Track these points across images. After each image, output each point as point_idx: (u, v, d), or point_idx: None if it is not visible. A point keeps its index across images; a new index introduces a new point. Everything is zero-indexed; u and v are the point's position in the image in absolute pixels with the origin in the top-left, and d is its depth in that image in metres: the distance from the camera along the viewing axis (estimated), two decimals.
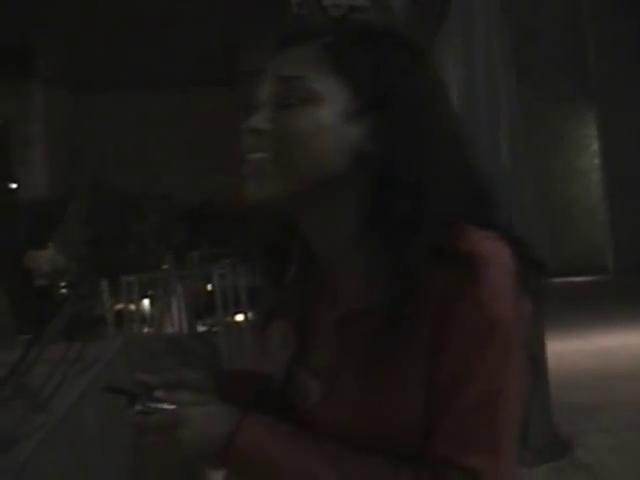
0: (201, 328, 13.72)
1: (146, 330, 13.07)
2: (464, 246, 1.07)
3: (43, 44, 39.43)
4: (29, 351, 8.41)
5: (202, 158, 44.90)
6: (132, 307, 11.80)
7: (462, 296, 1.05)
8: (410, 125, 1.12)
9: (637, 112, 17.37)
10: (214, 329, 12.17)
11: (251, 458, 1.11)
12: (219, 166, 40.25)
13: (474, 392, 1.06)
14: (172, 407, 1.12)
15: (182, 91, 42.80)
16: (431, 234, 1.08)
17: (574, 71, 18.13)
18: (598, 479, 5.34)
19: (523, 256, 1.12)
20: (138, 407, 1.12)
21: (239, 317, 10.49)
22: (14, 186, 31.07)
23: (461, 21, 6.36)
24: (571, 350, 9.72)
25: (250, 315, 10.11)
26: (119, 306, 13.13)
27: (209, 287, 13.83)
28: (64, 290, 28.12)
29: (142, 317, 15.66)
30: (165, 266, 14.93)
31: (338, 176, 1.13)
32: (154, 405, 1.12)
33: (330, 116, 1.12)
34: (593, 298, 14.65)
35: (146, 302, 15.76)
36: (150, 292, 14.94)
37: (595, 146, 18.31)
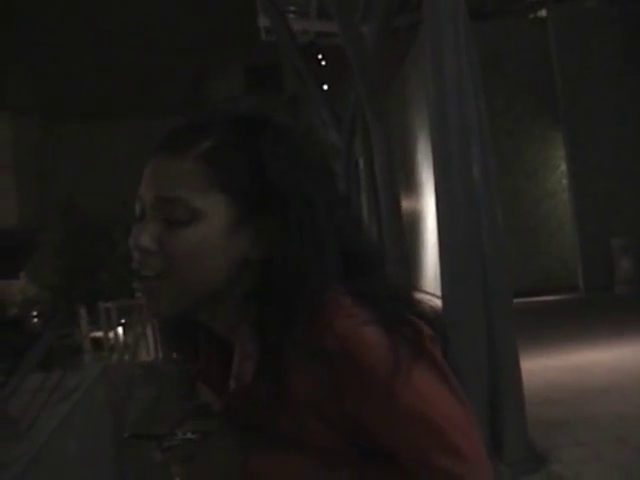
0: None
1: (123, 357, 13.01)
2: (335, 339, 1.13)
3: (11, 73, 39.29)
4: (7, 381, 8.41)
5: None
6: (111, 334, 11.75)
7: (347, 388, 1.14)
8: (297, 222, 1.17)
9: (604, 133, 17.64)
10: None
11: (266, 474, 1.20)
12: None
13: (411, 437, 1.15)
14: (190, 436, 1.21)
15: (150, 120, 42.86)
16: (297, 334, 1.14)
17: (541, 92, 18.37)
18: None
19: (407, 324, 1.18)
20: (166, 444, 1.22)
21: None
22: None
23: (430, 42, 6.49)
24: (545, 367, 9.84)
25: None
26: (96, 334, 13.07)
27: None
28: (36, 319, 27.93)
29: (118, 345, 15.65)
30: (138, 294, 14.86)
31: (223, 284, 1.19)
32: (178, 438, 1.21)
33: (214, 231, 1.17)
34: (564, 316, 14.78)
35: (120, 330, 15.70)
36: (123, 320, 14.90)
37: (563, 167, 18.52)
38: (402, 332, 1.15)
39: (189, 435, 1.21)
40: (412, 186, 21.56)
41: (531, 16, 20.75)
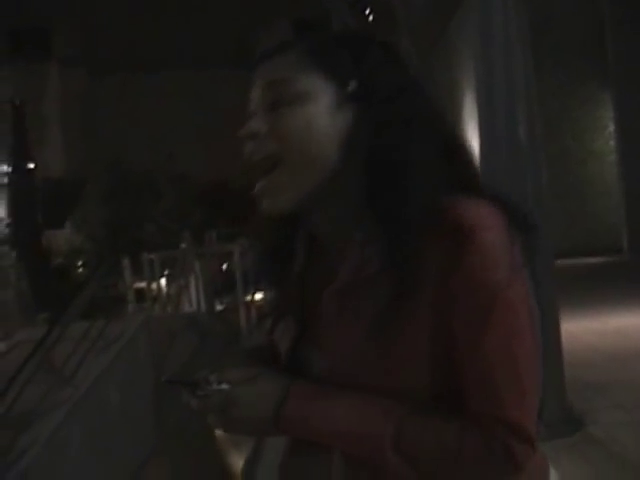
0: (219, 307, 13.83)
1: (166, 308, 13.19)
2: (458, 218, 1.17)
3: (60, 24, 39.43)
4: (53, 328, 8.57)
5: (218, 138, 44.96)
6: (154, 285, 11.88)
7: (460, 264, 1.15)
8: (389, 110, 1.23)
9: None
10: (232, 307, 12.27)
11: (301, 425, 1.22)
12: (235, 146, 40.14)
13: (489, 355, 1.17)
14: (225, 387, 1.24)
15: (199, 72, 42.69)
16: (420, 206, 1.19)
17: (591, 53, 18.06)
18: (609, 454, 5.45)
19: (513, 217, 1.23)
20: (199, 393, 1.25)
21: (257, 295, 10.61)
22: (31, 166, 31.17)
23: (478, 4, 6.41)
24: (585, 329, 9.79)
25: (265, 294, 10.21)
26: (139, 284, 13.22)
27: (225, 266, 13.90)
28: (81, 269, 28.32)
29: (162, 295, 15.84)
30: (183, 245, 15.00)
31: (335, 163, 1.24)
32: (211, 388, 1.24)
33: (318, 110, 1.23)
34: (608, 278, 14.64)
35: (163, 281, 15.90)
36: (167, 271, 15.06)
37: (611, 128, 18.24)
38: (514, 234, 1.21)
39: (223, 386, 1.24)
40: None
41: None
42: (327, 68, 1.24)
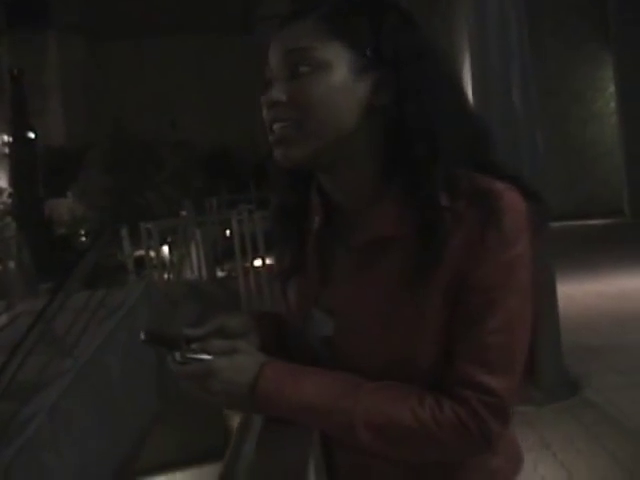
0: (220, 274, 13.86)
1: (166, 276, 13.24)
2: (484, 184, 1.20)
3: None
4: (53, 298, 8.59)
5: (220, 104, 44.78)
6: (152, 254, 11.92)
7: (487, 233, 1.18)
8: (410, 75, 1.24)
9: None
10: (233, 274, 12.30)
11: (273, 402, 1.24)
12: (236, 112, 40.11)
13: (495, 320, 1.19)
14: (206, 357, 1.25)
15: (198, 37, 42.44)
16: (449, 167, 1.21)
17: (592, 13, 17.91)
18: (606, 417, 5.48)
19: (530, 197, 1.26)
20: (177, 357, 1.26)
21: (257, 262, 10.63)
22: (32, 135, 31.13)
23: None
24: (584, 292, 9.81)
25: (268, 260, 10.24)
26: (139, 253, 13.26)
27: (227, 233, 13.90)
28: (84, 238, 28.36)
29: (162, 263, 15.89)
30: (184, 213, 14.98)
31: (353, 130, 1.25)
32: (190, 355, 1.25)
33: (338, 78, 1.23)
34: (608, 241, 14.66)
35: (165, 249, 15.92)
36: (169, 239, 15.07)
37: (612, 89, 18.13)
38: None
39: (204, 356, 1.25)
40: None
41: None
42: (345, 35, 1.25)
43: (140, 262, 12.82)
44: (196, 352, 1.26)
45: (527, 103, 6.16)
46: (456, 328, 1.21)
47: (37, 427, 6.99)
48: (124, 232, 12.02)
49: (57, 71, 39.90)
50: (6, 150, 32.38)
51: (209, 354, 1.25)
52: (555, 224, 16.48)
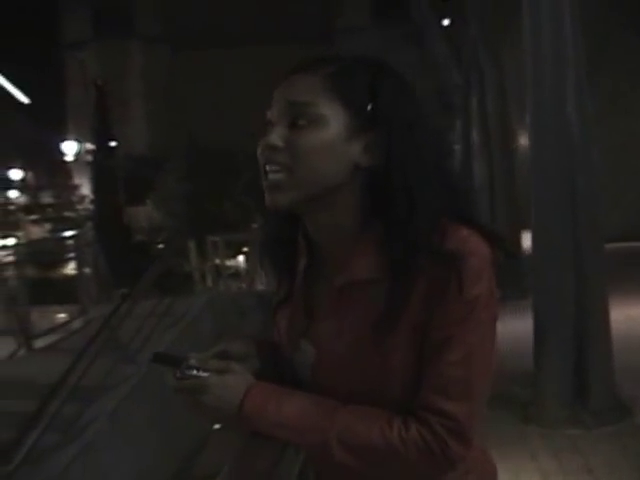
0: None
1: (239, 286, 13.42)
2: (451, 243, 1.33)
3: (140, 2, 40.00)
4: (121, 305, 8.85)
5: None
6: (217, 263, 12.16)
7: (450, 282, 1.31)
8: (400, 142, 1.37)
9: None
10: None
11: (257, 420, 1.40)
12: None
13: (454, 354, 1.33)
14: (202, 374, 1.40)
15: (279, 48, 42.78)
16: (424, 229, 1.34)
17: None
18: None
19: (496, 245, 1.41)
20: (177, 374, 1.40)
21: None
22: (114, 144, 31.88)
23: None
24: (628, 316, 9.63)
25: None
26: (215, 262, 13.53)
27: None
28: (160, 246, 28.86)
29: (235, 273, 16.14)
30: (255, 225, 15.22)
31: (340, 183, 1.39)
32: (188, 372, 1.40)
33: (333, 136, 1.37)
34: None
35: (241, 259, 16.20)
36: (245, 249, 15.34)
37: None
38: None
39: (201, 373, 1.39)
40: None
41: None
42: (346, 96, 1.37)
43: (214, 270, 13.07)
44: (194, 369, 1.40)
45: (582, 120, 6.17)
46: (422, 360, 1.35)
47: (97, 430, 7.23)
48: (192, 244, 12.30)
49: (140, 80, 40.67)
50: (89, 158, 33.20)
51: (205, 372, 1.39)
52: (618, 245, 16.23)
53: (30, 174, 41.62)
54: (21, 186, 40.53)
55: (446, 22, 17.30)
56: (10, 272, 10.82)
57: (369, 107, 1.38)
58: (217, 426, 1.51)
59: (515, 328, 7.49)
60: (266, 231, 1.65)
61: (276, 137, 1.39)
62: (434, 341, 1.34)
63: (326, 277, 1.47)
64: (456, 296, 1.32)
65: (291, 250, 1.57)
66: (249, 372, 1.46)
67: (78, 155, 37.71)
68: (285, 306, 1.59)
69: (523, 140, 19.23)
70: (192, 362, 1.41)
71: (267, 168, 1.40)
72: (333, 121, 1.36)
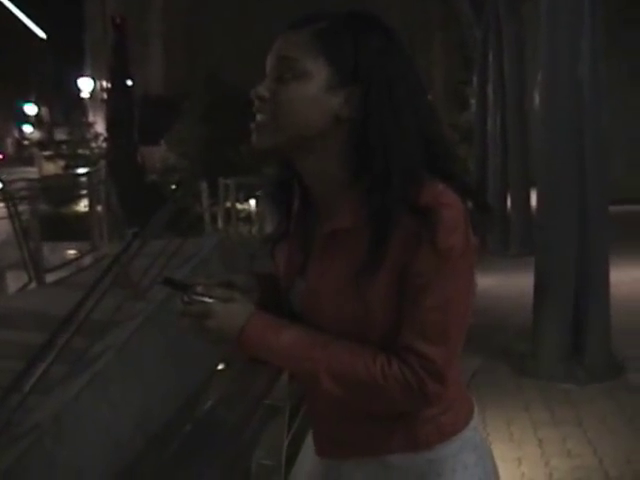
0: None
1: (249, 230, 13.53)
2: (426, 196, 1.44)
3: None
4: (132, 243, 8.98)
5: None
6: (228, 206, 12.18)
7: (425, 233, 1.42)
8: (377, 97, 1.48)
9: None
10: None
11: (256, 345, 1.54)
12: None
13: (430, 300, 1.45)
14: (207, 300, 1.52)
15: None
16: (400, 184, 1.45)
17: None
18: None
19: (473, 200, 1.52)
20: (185, 298, 1.53)
21: None
22: (130, 83, 31.80)
23: None
24: (635, 278, 9.73)
25: None
26: (226, 205, 13.58)
27: None
28: (174, 187, 28.91)
29: (246, 217, 16.23)
30: (267, 169, 15.21)
31: (321, 134, 1.51)
32: (194, 297, 1.52)
33: (315, 89, 1.49)
34: None
35: (252, 202, 16.27)
36: (258, 193, 15.39)
37: None
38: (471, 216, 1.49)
39: (206, 299, 1.52)
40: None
41: None
42: (331, 52, 1.48)
43: (225, 214, 13.15)
44: (200, 295, 1.52)
45: (595, 83, 6.23)
46: (402, 305, 1.48)
47: (106, 363, 7.42)
48: (203, 186, 12.37)
49: (159, 18, 40.39)
50: (104, 96, 33.14)
51: (211, 299, 1.52)
52: (631, 207, 16.25)
53: (45, 110, 41.65)
54: (35, 122, 40.55)
55: None
56: (23, 207, 10.90)
57: (351, 62, 1.47)
58: (220, 366, 1.64)
59: (521, 283, 7.61)
60: (269, 175, 1.78)
61: (263, 88, 1.52)
62: (413, 287, 1.45)
63: (319, 221, 1.60)
64: (431, 246, 1.42)
65: (290, 193, 1.70)
66: (251, 302, 1.59)
67: (93, 93, 37.68)
68: (283, 244, 1.71)
69: (538, 98, 19.28)
70: (199, 289, 1.53)
71: (256, 116, 1.54)
72: (316, 76, 1.48)
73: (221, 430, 1.88)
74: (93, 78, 36.52)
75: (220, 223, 12.43)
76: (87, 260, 12.19)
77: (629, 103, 18.19)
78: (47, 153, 37.82)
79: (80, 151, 35.45)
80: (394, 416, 1.57)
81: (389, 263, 1.45)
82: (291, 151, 1.55)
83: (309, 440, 1.79)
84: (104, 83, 33.68)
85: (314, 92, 1.48)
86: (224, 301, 1.53)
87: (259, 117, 1.53)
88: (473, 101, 18.32)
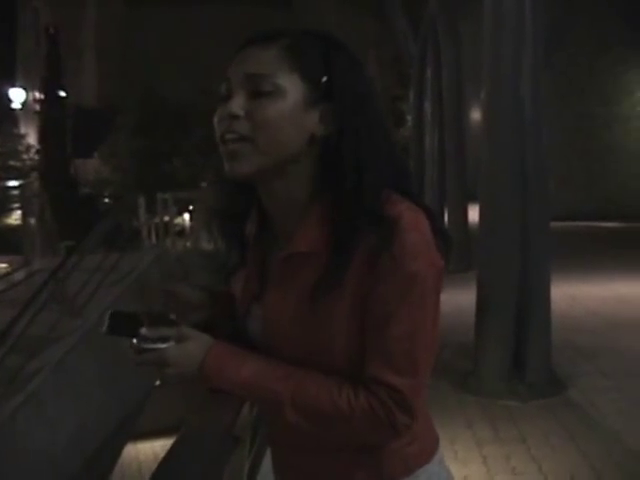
0: None
1: (184, 244, 13.40)
2: (391, 213, 1.38)
3: None
4: (68, 258, 8.82)
5: None
6: (166, 220, 12.10)
7: (386, 252, 1.36)
8: (352, 114, 1.43)
9: None
10: None
11: (216, 379, 1.45)
12: None
13: (396, 329, 1.38)
14: (159, 346, 1.42)
15: (229, 7, 42.17)
16: (368, 201, 1.39)
17: (624, 13, 17.83)
18: (584, 418, 5.63)
19: (433, 218, 1.46)
20: (136, 346, 1.42)
21: None
22: (63, 94, 31.33)
23: None
24: (586, 294, 9.92)
25: None
26: (162, 219, 13.46)
27: None
28: (107, 200, 28.58)
29: (180, 231, 16.08)
30: (204, 184, 15.17)
31: (297, 154, 1.44)
32: (146, 346, 1.42)
33: (292, 106, 1.41)
34: (624, 244, 14.66)
35: (186, 216, 16.14)
36: (191, 207, 15.28)
37: (638, 93, 18.10)
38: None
39: (159, 344, 1.42)
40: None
41: None
42: (302, 68, 1.41)
43: (158, 229, 13.03)
44: (151, 342, 1.42)
45: (535, 100, 6.31)
46: (367, 333, 1.41)
47: (42, 381, 7.24)
48: (141, 200, 12.24)
49: (94, 31, 39.98)
50: (37, 107, 32.62)
51: (163, 342, 1.43)
52: (572, 224, 16.56)
53: None
54: None
55: None
56: None
57: (324, 79, 1.42)
58: (158, 382, 1.57)
59: (460, 300, 7.65)
60: (217, 198, 1.68)
61: (237, 106, 1.42)
62: (377, 315, 1.39)
63: (274, 247, 1.53)
64: (395, 272, 1.36)
65: (242, 219, 1.62)
66: (203, 323, 1.53)
67: (25, 104, 37.04)
68: (239, 271, 1.64)
69: (475, 114, 19.53)
70: (147, 333, 1.42)
71: (226, 137, 1.43)
72: (291, 91, 1.40)
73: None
74: (25, 89, 35.84)
75: (153, 238, 12.28)
76: (19, 275, 11.91)
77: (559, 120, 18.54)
78: None
79: (12, 163, 34.75)
80: (359, 448, 1.51)
81: (350, 287, 1.39)
82: (265, 176, 1.46)
83: (265, 469, 1.73)
84: (37, 94, 33.06)
85: (291, 109, 1.41)
86: (177, 341, 1.44)
87: (231, 139, 1.42)
88: (409, 117, 18.47)
